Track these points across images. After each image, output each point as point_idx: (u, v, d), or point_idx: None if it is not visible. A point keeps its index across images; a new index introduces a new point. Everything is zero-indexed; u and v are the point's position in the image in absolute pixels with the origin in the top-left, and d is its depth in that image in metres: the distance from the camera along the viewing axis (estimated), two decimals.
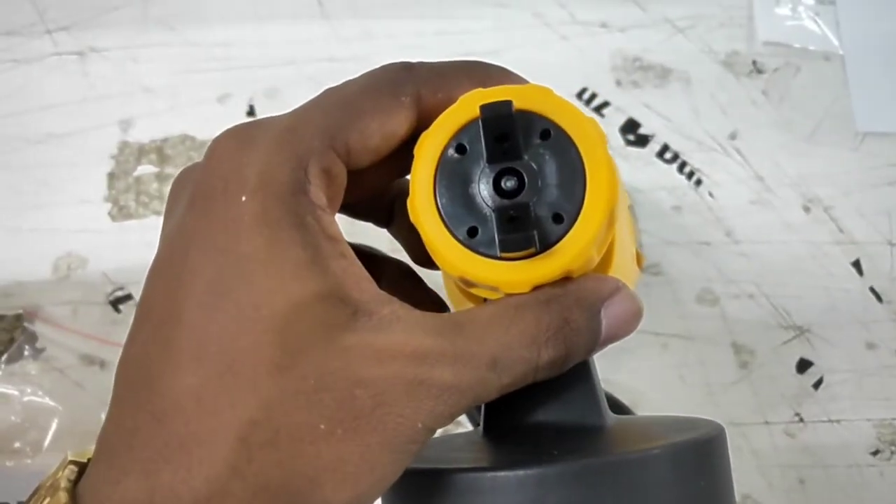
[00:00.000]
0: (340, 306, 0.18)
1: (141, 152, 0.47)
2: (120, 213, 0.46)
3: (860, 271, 0.45)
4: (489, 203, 0.20)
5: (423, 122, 0.21)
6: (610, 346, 0.22)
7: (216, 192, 0.19)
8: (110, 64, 0.49)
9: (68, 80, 0.49)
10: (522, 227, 0.19)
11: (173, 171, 0.47)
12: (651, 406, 0.43)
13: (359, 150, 0.20)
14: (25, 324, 0.43)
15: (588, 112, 0.48)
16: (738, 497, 0.42)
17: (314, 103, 0.21)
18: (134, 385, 0.18)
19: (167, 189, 0.46)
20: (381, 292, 0.19)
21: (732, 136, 0.48)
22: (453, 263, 0.20)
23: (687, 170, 0.47)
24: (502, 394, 0.19)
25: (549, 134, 0.20)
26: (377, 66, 0.22)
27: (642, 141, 0.48)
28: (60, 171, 0.47)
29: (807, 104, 0.49)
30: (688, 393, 0.43)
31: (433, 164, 0.21)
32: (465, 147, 0.21)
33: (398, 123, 0.21)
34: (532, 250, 0.20)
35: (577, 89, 0.49)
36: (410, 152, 0.21)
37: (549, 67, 0.49)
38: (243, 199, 0.18)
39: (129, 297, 0.44)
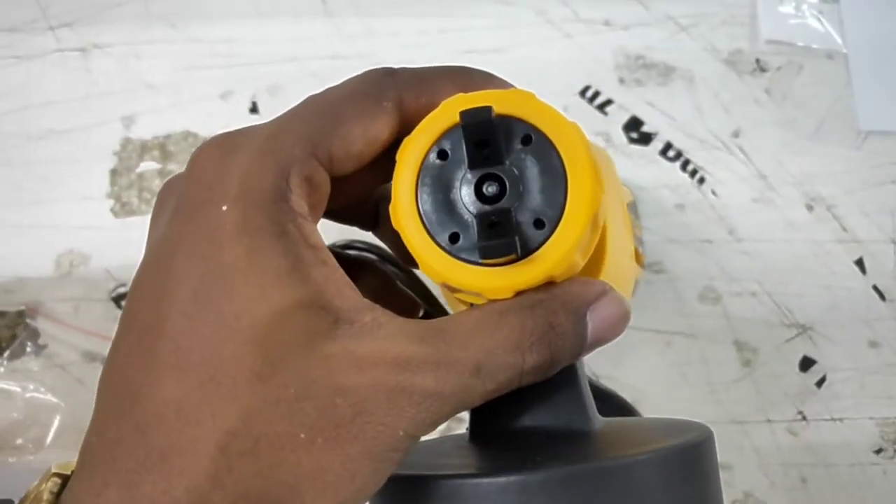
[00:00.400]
0: (322, 314, 0.18)
1: (143, 149, 0.47)
2: (122, 209, 0.46)
3: (863, 270, 0.45)
4: (471, 209, 0.20)
5: (406, 128, 0.21)
6: (598, 349, 0.22)
7: (199, 200, 0.19)
8: (113, 60, 0.49)
9: (71, 77, 0.48)
10: (503, 234, 0.19)
11: (176, 167, 0.47)
12: (653, 404, 0.43)
13: (342, 156, 0.20)
14: (27, 320, 0.43)
15: (589, 111, 0.48)
16: (740, 495, 0.42)
17: (296, 111, 0.21)
18: (117, 395, 0.18)
19: None
20: (364, 299, 0.19)
21: (735, 135, 0.48)
22: (435, 270, 0.20)
23: (690, 168, 0.47)
24: (487, 400, 0.19)
25: (531, 139, 0.20)
26: (359, 72, 0.22)
27: (645, 139, 0.48)
28: (63, 167, 0.47)
29: (810, 102, 0.49)
30: (690, 391, 0.43)
31: (415, 169, 0.20)
32: (446, 152, 0.20)
33: (381, 129, 0.21)
34: (513, 256, 0.20)
35: (581, 87, 0.49)
36: (394, 157, 0.21)
37: (552, 65, 0.49)
38: (224, 207, 0.18)
39: None
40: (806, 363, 0.44)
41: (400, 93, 0.21)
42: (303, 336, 0.18)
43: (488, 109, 0.19)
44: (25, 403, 0.41)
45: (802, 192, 0.47)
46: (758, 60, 0.49)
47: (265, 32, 0.49)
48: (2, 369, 0.42)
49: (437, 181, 0.20)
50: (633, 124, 0.48)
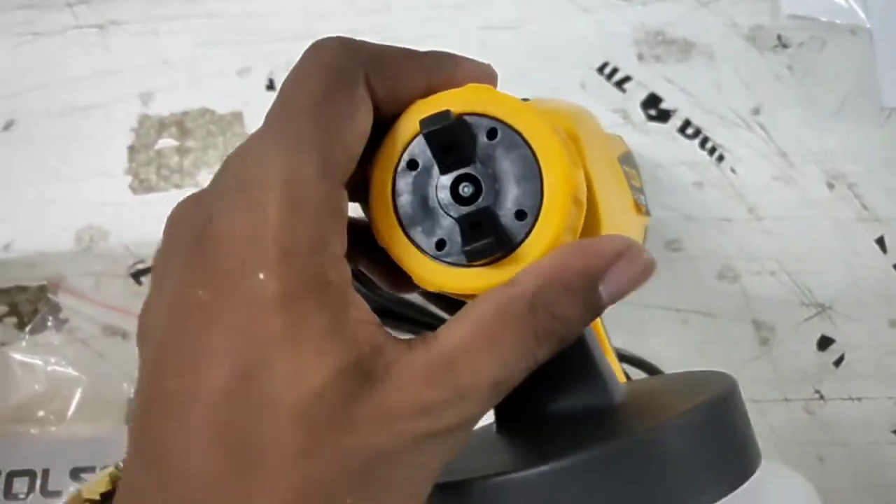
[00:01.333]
0: (354, 375, 0.18)
1: (161, 125, 0.47)
2: (141, 185, 0.46)
3: (884, 248, 0.45)
4: (451, 213, 0.20)
5: (377, 106, 0.20)
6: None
7: (233, 269, 0.18)
8: (131, 37, 0.49)
9: (89, 53, 0.49)
10: (486, 233, 0.19)
11: (193, 144, 0.47)
12: None
13: (348, 165, 0.20)
14: (49, 295, 0.44)
15: (607, 87, 0.48)
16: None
17: (291, 136, 0.19)
18: (155, 462, 0.18)
19: (188, 162, 0.47)
20: (378, 331, 0.19)
21: (756, 112, 0.47)
22: (429, 280, 0.20)
23: (709, 145, 0.47)
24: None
25: (497, 132, 0.20)
26: (314, 48, 0.20)
27: (664, 116, 0.47)
28: (82, 143, 0.47)
29: (832, 79, 0.48)
30: (707, 369, 0.43)
31: (388, 186, 0.20)
32: (416, 162, 0.20)
33: (366, 119, 0.20)
34: (499, 254, 0.20)
35: (599, 63, 0.48)
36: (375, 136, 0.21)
37: (570, 41, 0.49)
38: (262, 276, 0.18)
39: (149, 269, 0.45)
40: (824, 342, 0.44)
41: (365, 71, 0.20)
42: (339, 406, 0.18)
43: (446, 113, 0.19)
44: (47, 376, 0.42)
45: (823, 169, 0.46)
46: (779, 36, 0.49)
47: (282, 8, 0.49)
48: (24, 343, 0.43)
49: (413, 192, 0.20)
50: (652, 101, 0.48)
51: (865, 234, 0.45)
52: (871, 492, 0.41)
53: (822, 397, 0.43)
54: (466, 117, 0.20)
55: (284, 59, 0.47)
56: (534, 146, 0.20)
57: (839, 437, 0.42)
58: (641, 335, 0.44)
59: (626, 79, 0.48)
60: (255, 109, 0.47)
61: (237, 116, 0.47)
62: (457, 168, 0.20)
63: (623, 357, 0.42)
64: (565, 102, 0.34)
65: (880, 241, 0.45)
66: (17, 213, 0.46)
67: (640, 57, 0.48)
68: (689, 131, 0.47)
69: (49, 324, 0.43)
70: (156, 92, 0.48)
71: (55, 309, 0.43)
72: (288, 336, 0.18)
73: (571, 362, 0.22)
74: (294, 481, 0.17)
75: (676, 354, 0.43)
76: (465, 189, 0.20)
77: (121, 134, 0.47)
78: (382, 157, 0.21)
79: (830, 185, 0.46)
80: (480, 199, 0.20)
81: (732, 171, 0.46)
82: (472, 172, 0.20)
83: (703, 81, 0.48)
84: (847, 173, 0.46)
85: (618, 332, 0.44)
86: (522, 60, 0.48)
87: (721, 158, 0.47)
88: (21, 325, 0.43)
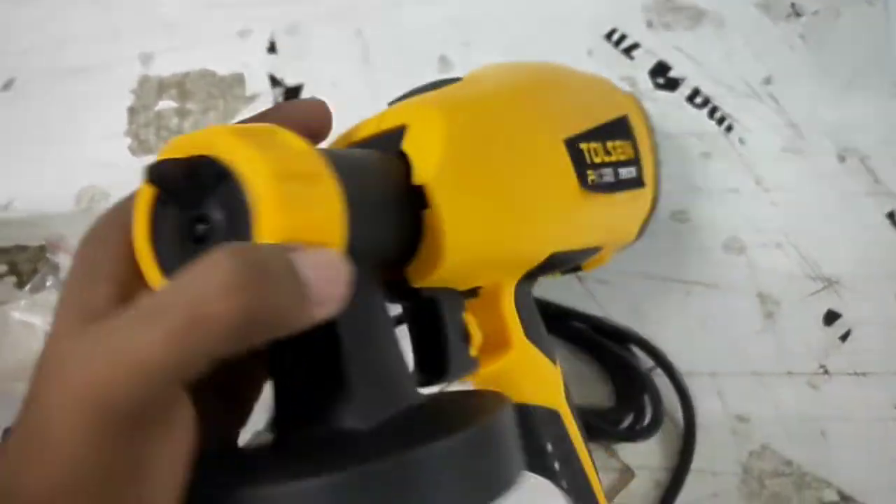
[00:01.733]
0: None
1: (161, 87, 0.47)
2: (140, 146, 0.46)
3: (894, 222, 0.44)
4: (193, 254, 0.20)
5: None
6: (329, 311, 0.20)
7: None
8: None
9: (91, 14, 0.48)
10: None
11: (193, 106, 0.46)
12: (671, 355, 0.42)
13: None
14: (48, 255, 0.44)
15: (614, 55, 0.47)
16: (757, 446, 0.41)
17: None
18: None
19: (187, 124, 0.46)
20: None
21: (767, 82, 0.46)
22: None
23: (718, 115, 0.46)
24: (201, 353, 0.17)
25: (223, 176, 0.20)
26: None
27: (672, 84, 0.46)
28: (82, 104, 0.47)
29: (846, 49, 0.47)
30: (710, 342, 0.43)
31: (145, 231, 0.21)
32: (166, 205, 0.21)
33: None
34: None
35: (606, 30, 0.47)
36: None
37: (578, 7, 0.48)
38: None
39: None
40: (831, 317, 0.43)
41: None
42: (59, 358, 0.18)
43: (169, 161, 0.20)
44: (46, 335, 0.41)
45: (834, 141, 0.45)
46: (793, 4, 0.47)
47: None
48: (23, 302, 0.42)
49: (163, 236, 0.21)
50: (660, 69, 0.47)
51: (876, 208, 0.44)
52: (874, 468, 0.40)
53: (826, 372, 0.42)
54: (203, 161, 0.20)
55: (285, 21, 0.47)
56: (252, 192, 0.19)
57: (843, 412, 0.41)
58: (643, 306, 0.43)
59: (635, 46, 0.47)
60: (256, 71, 0.47)
61: (238, 78, 0.47)
62: (192, 210, 0.20)
63: (612, 331, 0.42)
64: (520, 68, 0.33)
65: (891, 216, 0.44)
66: (17, 173, 0.46)
67: (650, 24, 0.47)
68: (698, 101, 0.46)
69: (48, 283, 0.43)
70: (156, 53, 0.47)
71: (54, 269, 0.43)
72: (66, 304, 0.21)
73: (328, 384, 0.22)
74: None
75: (679, 327, 0.43)
76: (196, 232, 0.20)
77: (121, 95, 0.47)
78: (137, 202, 0.21)
79: (841, 158, 0.45)
80: (210, 243, 0.20)
81: (741, 141, 0.45)
82: (204, 216, 0.20)
83: (714, 50, 0.47)
84: (859, 146, 0.45)
85: (619, 302, 0.43)
86: (530, 26, 0.48)
87: (730, 129, 0.46)
88: (20, 285, 0.43)
